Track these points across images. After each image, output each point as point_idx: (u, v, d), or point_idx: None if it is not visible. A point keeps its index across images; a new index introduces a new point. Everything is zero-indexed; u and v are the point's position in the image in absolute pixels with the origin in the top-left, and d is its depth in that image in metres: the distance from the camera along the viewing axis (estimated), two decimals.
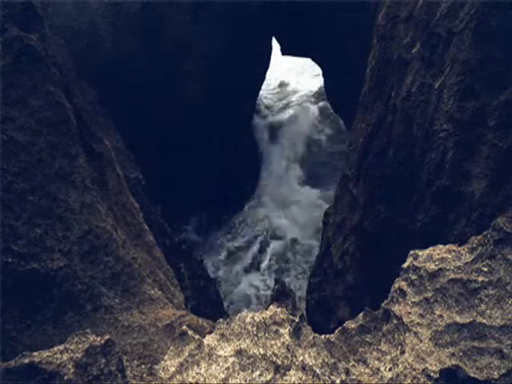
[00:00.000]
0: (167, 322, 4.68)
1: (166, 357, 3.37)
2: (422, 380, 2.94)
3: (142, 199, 9.26)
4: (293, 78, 26.63)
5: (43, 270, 4.31)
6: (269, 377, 3.06)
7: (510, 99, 5.06)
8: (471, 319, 3.02)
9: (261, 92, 21.97)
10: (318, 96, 24.28)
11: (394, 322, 3.31)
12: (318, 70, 21.03)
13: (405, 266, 3.51)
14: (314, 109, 23.64)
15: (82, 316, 4.45)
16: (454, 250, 3.38)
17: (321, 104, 23.57)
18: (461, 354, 2.95)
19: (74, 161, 4.88)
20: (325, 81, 19.33)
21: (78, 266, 4.57)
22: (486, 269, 3.13)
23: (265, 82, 21.65)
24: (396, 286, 3.49)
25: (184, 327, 3.51)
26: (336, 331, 3.55)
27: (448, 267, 3.28)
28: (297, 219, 18.72)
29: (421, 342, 3.09)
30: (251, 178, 20.91)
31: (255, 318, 3.43)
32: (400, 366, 3.08)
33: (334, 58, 15.95)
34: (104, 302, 4.63)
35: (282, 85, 26.01)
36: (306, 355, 3.23)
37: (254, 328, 3.36)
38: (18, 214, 4.30)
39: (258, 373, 3.09)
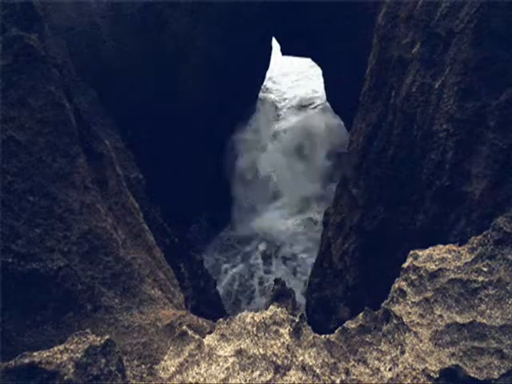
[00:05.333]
0: (167, 322, 4.68)
1: (165, 357, 3.37)
2: (422, 380, 2.94)
3: (142, 199, 9.24)
4: None
5: (43, 270, 4.31)
6: (269, 377, 3.06)
7: (510, 99, 5.06)
8: (471, 319, 3.01)
9: None
10: None
11: (394, 322, 3.31)
12: None
13: (405, 265, 3.51)
14: None
15: (82, 316, 4.45)
16: (453, 250, 3.38)
17: None
18: (461, 353, 2.95)
19: (74, 161, 4.87)
20: (325, 81, 19.34)
21: (78, 266, 4.57)
22: (485, 269, 3.13)
23: None
24: (396, 286, 3.49)
25: (184, 327, 3.51)
26: (336, 331, 3.55)
27: (448, 267, 3.27)
28: None
29: (421, 341, 3.09)
30: None
31: (255, 317, 3.43)
32: (400, 365, 3.08)
33: (334, 57, 15.95)
34: (104, 302, 4.63)
35: None
36: (306, 355, 3.23)
37: (254, 328, 3.36)
38: (17, 214, 4.30)
39: (257, 373, 3.09)
